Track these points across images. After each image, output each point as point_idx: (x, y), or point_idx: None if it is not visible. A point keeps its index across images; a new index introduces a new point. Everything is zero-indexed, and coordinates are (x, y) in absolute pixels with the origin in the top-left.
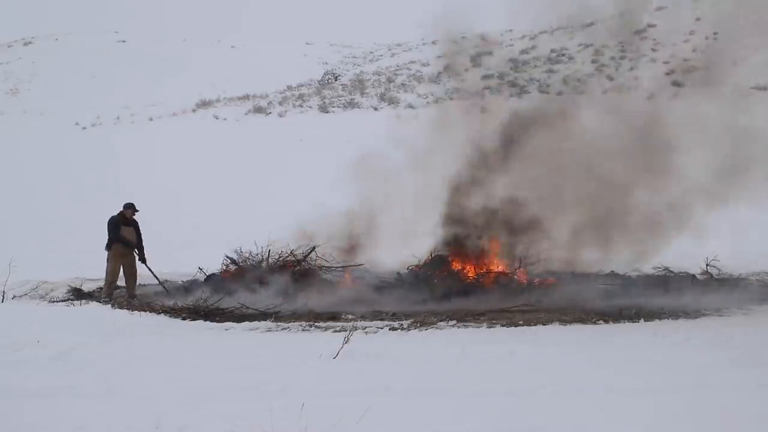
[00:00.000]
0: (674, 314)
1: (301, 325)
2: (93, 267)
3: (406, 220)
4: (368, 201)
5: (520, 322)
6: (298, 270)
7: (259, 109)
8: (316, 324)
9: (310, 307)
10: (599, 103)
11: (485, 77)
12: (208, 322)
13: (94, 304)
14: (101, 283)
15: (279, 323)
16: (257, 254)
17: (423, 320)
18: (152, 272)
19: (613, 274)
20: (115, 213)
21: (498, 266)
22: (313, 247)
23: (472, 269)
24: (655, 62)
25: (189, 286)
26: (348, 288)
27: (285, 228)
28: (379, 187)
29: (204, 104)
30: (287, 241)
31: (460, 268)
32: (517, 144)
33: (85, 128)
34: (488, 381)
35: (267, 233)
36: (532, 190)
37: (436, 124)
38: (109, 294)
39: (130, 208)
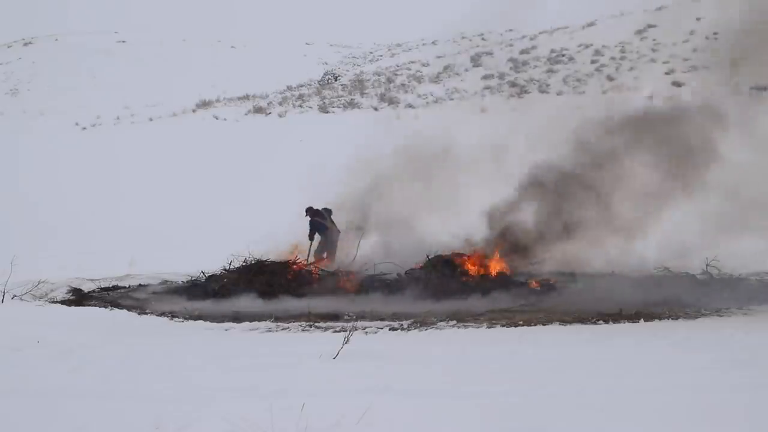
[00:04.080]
0: (674, 314)
1: (301, 325)
2: (93, 267)
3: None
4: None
5: (520, 322)
6: (301, 270)
7: (259, 109)
8: (316, 324)
9: (310, 308)
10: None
11: (485, 77)
12: (208, 322)
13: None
14: (101, 283)
15: (279, 323)
16: (255, 255)
17: (423, 320)
18: None
19: (613, 275)
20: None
21: (498, 267)
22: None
23: (473, 269)
24: (656, 62)
25: (190, 287)
26: (349, 288)
27: (284, 228)
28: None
29: (204, 104)
30: (288, 241)
31: (460, 268)
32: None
33: (85, 128)
34: (488, 381)
35: (267, 233)
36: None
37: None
38: None
39: None
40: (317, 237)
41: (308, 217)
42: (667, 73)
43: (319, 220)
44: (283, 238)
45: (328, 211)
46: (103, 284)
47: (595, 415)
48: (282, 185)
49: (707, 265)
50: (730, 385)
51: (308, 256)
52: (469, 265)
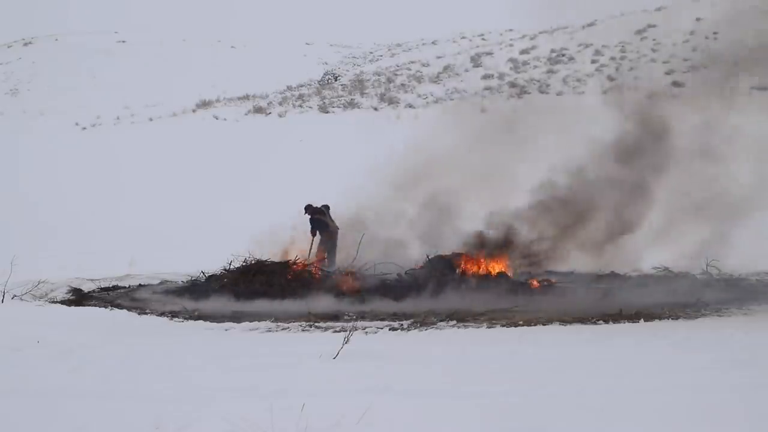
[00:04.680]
0: (674, 314)
1: (301, 325)
2: (93, 267)
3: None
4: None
5: (520, 322)
6: (301, 271)
7: (259, 109)
8: (316, 324)
9: (310, 308)
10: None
11: (485, 77)
12: (208, 322)
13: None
14: (101, 283)
15: (279, 323)
16: (255, 256)
17: (423, 320)
18: None
19: (613, 275)
20: None
21: (498, 267)
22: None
23: (473, 270)
24: (656, 62)
25: (190, 287)
26: (349, 288)
27: (284, 228)
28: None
29: (204, 104)
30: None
31: (460, 268)
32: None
33: (85, 128)
34: (488, 381)
35: (267, 233)
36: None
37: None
38: None
39: None
40: (318, 235)
41: (308, 215)
42: (667, 73)
43: (320, 218)
44: (283, 237)
45: (327, 208)
46: (103, 284)
47: (595, 415)
48: (282, 185)
49: (707, 265)
50: (730, 385)
51: (309, 253)
52: (469, 265)
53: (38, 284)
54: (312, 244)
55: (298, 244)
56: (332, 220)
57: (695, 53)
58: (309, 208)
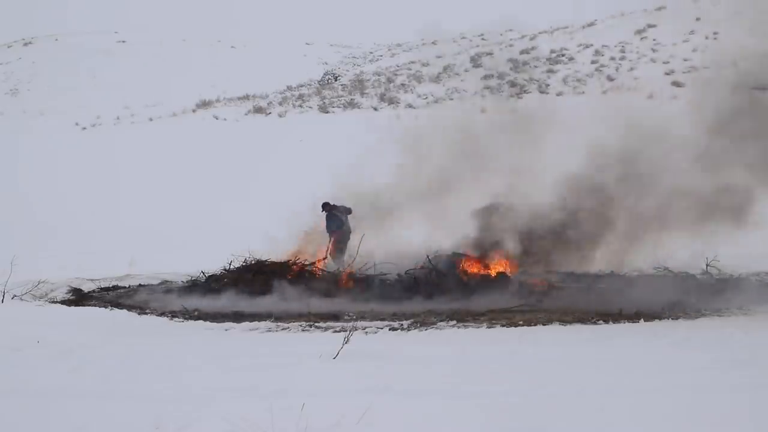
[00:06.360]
0: (674, 314)
1: (301, 325)
2: (93, 267)
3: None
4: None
5: (520, 322)
6: (300, 271)
7: (259, 109)
8: (316, 324)
9: (310, 308)
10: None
11: (485, 77)
12: (208, 322)
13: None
14: (101, 283)
15: (279, 323)
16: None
17: (423, 320)
18: None
19: (612, 275)
20: None
21: (498, 267)
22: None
23: (473, 269)
24: (656, 62)
25: (190, 287)
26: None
27: (284, 227)
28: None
29: (204, 104)
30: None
31: (460, 268)
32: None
33: (85, 128)
34: (488, 381)
35: (267, 233)
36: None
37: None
38: None
39: None
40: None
41: (324, 212)
42: (667, 74)
43: (338, 214)
44: (283, 237)
45: (348, 210)
46: (103, 284)
47: (595, 415)
48: (282, 185)
49: (707, 265)
50: (730, 385)
51: (327, 252)
52: (469, 265)
53: (38, 284)
54: (330, 241)
55: (309, 241)
56: (347, 221)
57: (695, 53)
58: (326, 206)
